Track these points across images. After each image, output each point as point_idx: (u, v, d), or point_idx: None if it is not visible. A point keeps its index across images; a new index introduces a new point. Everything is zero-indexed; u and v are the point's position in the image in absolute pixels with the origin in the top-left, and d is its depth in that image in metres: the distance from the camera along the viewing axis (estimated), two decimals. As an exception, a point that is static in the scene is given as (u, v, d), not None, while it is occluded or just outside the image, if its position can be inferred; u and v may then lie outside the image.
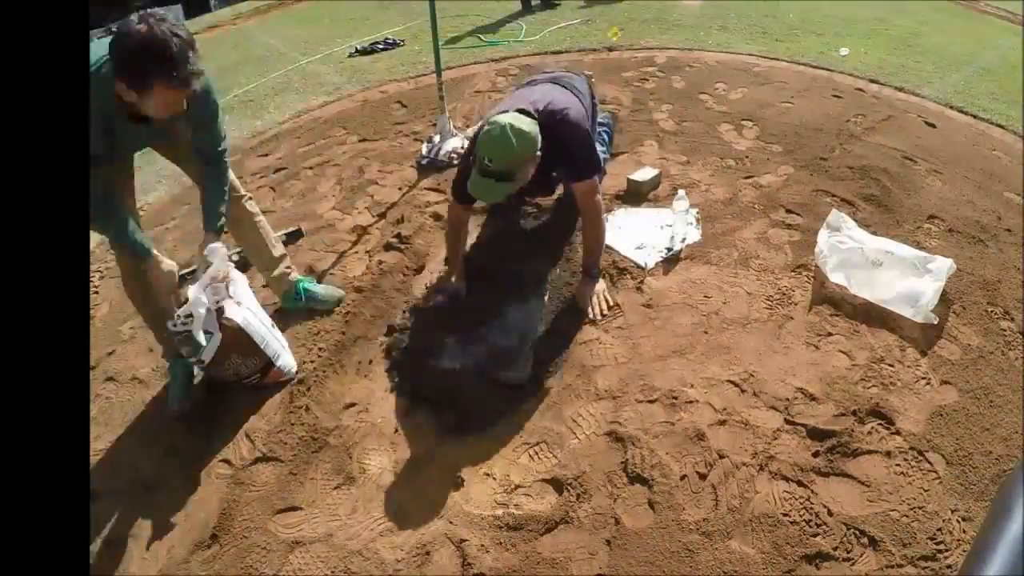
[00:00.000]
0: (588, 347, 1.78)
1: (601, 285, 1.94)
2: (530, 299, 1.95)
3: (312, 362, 1.87)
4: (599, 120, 2.64)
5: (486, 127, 1.66)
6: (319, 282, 2.13)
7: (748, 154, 2.68)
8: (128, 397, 1.91)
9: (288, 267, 2.03)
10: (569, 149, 1.81)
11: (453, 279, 2.00)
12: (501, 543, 1.33)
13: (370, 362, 1.85)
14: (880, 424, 1.48)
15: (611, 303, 1.90)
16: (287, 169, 3.26)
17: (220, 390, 1.86)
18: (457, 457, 1.53)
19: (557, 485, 1.43)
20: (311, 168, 3.21)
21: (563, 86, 2.05)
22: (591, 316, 1.85)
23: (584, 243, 1.98)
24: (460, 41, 5.07)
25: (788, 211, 2.26)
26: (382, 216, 2.58)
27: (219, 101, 1.61)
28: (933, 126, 3.04)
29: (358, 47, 5.45)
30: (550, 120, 1.78)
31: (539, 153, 1.69)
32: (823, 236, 1.96)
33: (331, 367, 1.84)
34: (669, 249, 2.09)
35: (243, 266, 2.14)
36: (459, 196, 1.91)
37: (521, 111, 1.74)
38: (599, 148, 2.41)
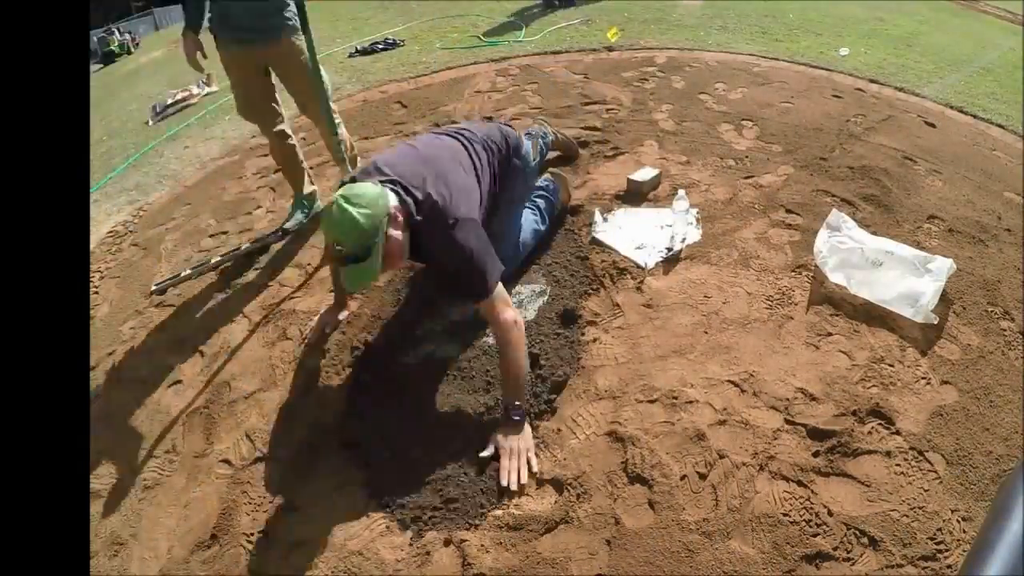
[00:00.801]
0: (588, 347, 1.78)
1: (527, 438, 1.50)
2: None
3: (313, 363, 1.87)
4: (539, 184, 2.23)
5: (327, 207, 1.42)
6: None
7: (748, 154, 2.68)
8: (128, 397, 1.91)
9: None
10: (448, 265, 1.55)
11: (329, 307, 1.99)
12: (501, 543, 1.33)
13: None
14: (880, 424, 1.48)
15: (534, 469, 1.45)
16: (287, 169, 3.26)
17: (220, 389, 1.86)
18: (457, 457, 1.53)
19: (557, 485, 1.43)
20: (311, 168, 3.21)
21: (465, 155, 1.74)
22: (503, 483, 1.42)
23: (500, 373, 1.62)
24: (459, 41, 5.08)
25: (788, 211, 2.26)
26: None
27: None
28: (933, 126, 3.05)
29: (358, 47, 5.46)
30: (430, 222, 1.51)
31: (396, 215, 1.45)
32: (823, 236, 1.96)
33: (332, 367, 1.84)
34: (669, 249, 2.09)
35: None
36: None
37: (394, 184, 1.51)
38: (532, 219, 2.10)
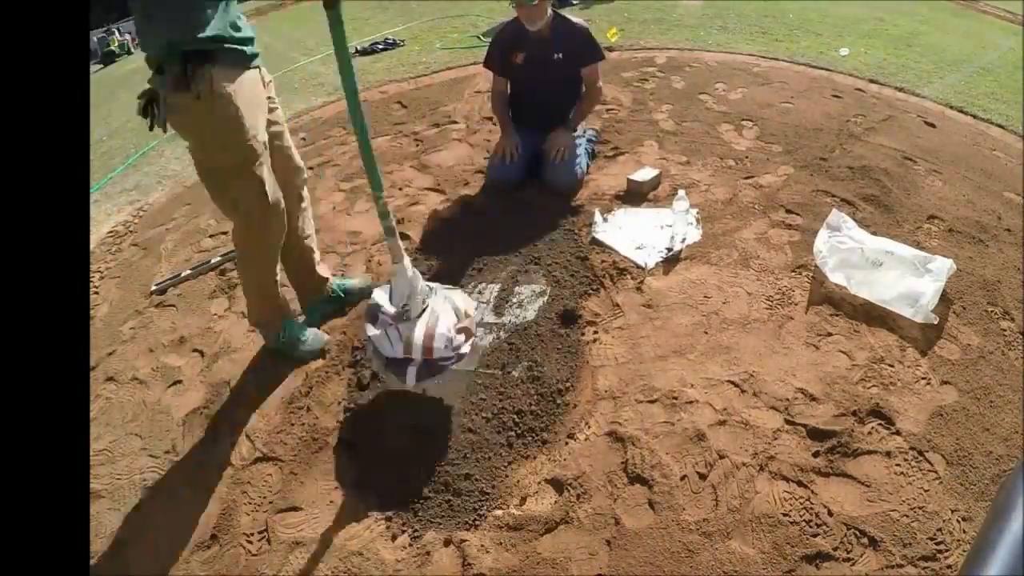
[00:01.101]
0: (588, 347, 1.78)
1: (571, 138, 2.52)
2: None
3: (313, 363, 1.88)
4: (586, 135, 2.77)
5: None
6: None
7: (748, 154, 2.68)
8: (128, 397, 1.91)
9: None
10: (582, 36, 2.49)
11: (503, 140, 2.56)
12: (501, 543, 1.33)
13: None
14: (880, 424, 1.48)
15: (571, 155, 2.48)
16: (287, 169, 3.26)
17: (220, 389, 1.86)
18: (457, 457, 1.53)
19: (557, 485, 1.43)
20: (311, 168, 3.21)
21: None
22: (551, 157, 2.46)
23: (581, 107, 2.59)
24: (459, 41, 5.08)
25: (788, 211, 2.26)
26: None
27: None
28: (933, 126, 3.05)
29: (358, 47, 5.46)
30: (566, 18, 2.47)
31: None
32: (823, 236, 1.96)
33: (332, 367, 1.84)
34: (669, 249, 2.09)
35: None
36: (498, 69, 2.61)
37: None
38: (584, 157, 2.66)
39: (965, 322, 1.77)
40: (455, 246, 2.29)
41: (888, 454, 1.41)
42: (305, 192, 1.86)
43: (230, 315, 2.18)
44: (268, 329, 1.85)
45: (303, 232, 1.87)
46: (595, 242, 2.17)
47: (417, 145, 3.20)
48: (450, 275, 2.13)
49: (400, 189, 2.77)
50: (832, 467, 1.40)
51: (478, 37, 5.10)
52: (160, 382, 1.94)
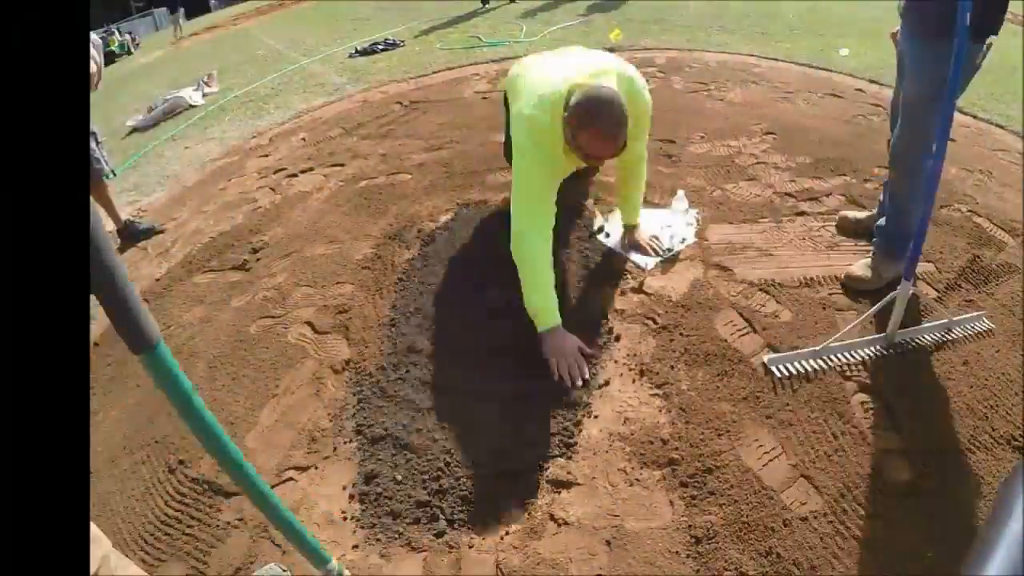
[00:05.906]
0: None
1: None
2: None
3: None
4: None
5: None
6: None
7: (748, 155, 2.68)
8: (129, 398, 1.91)
9: None
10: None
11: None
12: (501, 543, 1.33)
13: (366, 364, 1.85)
14: (879, 424, 1.48)
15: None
16: (287, 169, 3.27)
17: (221, 389, 1.86)
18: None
19: (557, 485, 1.43)
20: (311, 170, 3.21)
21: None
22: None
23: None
24: (459, 41, 5.09)
25: (788, 212, 2.26)
26: (382, 215, 2.58)
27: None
28: (933, 126, 3.04)
29: (358, 48, 5.47)
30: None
31: None
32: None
33: (332, 367, 1.84)
34: (669, 250, 2.09)
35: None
36: None
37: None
38: None
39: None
40: (455, 248, 2.29)
41: (887, 453, 1.41)
42: None
43: (230, 315, 2.18)
44: None
45: None
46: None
47: (418, 146, 3.21)
48: (450, 277, 2.13)
49: (399, 189, 2.77)
50: (832, 467, 1.39)
51: (478, 38, 5.11)
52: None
